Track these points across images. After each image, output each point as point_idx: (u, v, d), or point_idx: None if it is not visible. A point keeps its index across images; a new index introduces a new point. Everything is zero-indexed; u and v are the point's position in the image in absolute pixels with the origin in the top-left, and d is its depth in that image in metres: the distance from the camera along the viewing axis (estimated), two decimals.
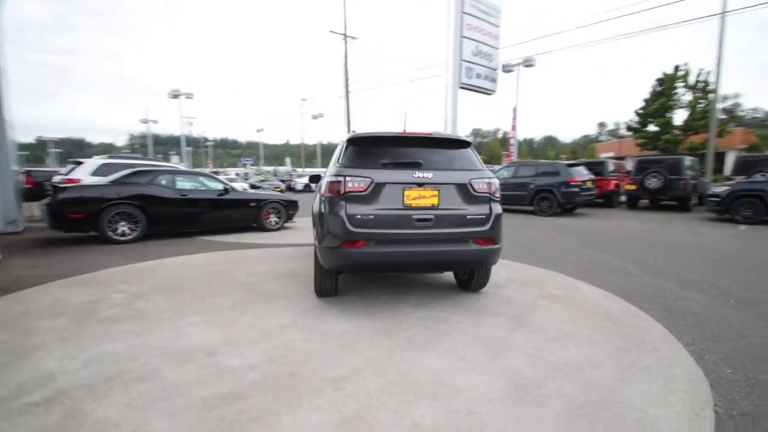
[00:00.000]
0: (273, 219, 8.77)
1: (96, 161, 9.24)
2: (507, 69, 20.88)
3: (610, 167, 14.17)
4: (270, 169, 53.98)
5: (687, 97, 25.57)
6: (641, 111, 27.22)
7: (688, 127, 24.82)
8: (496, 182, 3.42)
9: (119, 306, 3.46)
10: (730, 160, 25.52)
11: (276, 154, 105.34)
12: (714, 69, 14.70)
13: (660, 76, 26.32)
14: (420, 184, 3.19)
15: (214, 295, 3.80)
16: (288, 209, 9.01)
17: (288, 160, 58.73)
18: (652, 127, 26.62)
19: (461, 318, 3.25)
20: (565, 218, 10.79)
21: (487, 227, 3.30)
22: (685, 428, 1.86)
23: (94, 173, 8.53)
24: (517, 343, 2.77)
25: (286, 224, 9.04)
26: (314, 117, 39.78)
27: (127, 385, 2.16)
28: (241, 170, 38.15)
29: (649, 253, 6.05)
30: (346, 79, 32.11)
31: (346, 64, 32.21)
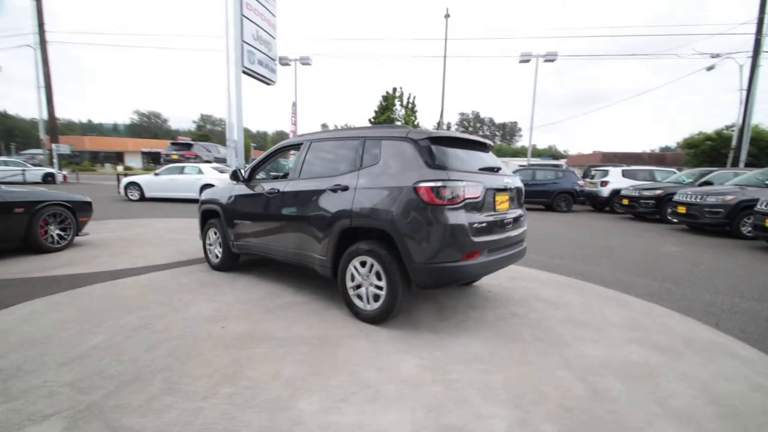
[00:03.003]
0: (55, 232, 5.58)
1: None
2: (284, 62, 20.70)
3: None
4: None
5: (402, 112, 33.85)
6: (373, 120, 33.71)
7: None
8: None
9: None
10: None
11: None
12: (439, 95, 20.26)
13: (384, 93, 33.44)
14: (504, 189, 3.25)
15: (246, 363, 2.40)
16: (77, 215, 5.93)
17: None
18: None
19: (521, 309, 3.54)
20: None
21: (526, 227, 3.75)
22: (727, 340, 3.05)
23: None
24: (591, 318, 3.36)
25: (76, 238, 5.97)
26: None
27: None
28: None
29: None
30: (40, 23, 22.44)
31: None
